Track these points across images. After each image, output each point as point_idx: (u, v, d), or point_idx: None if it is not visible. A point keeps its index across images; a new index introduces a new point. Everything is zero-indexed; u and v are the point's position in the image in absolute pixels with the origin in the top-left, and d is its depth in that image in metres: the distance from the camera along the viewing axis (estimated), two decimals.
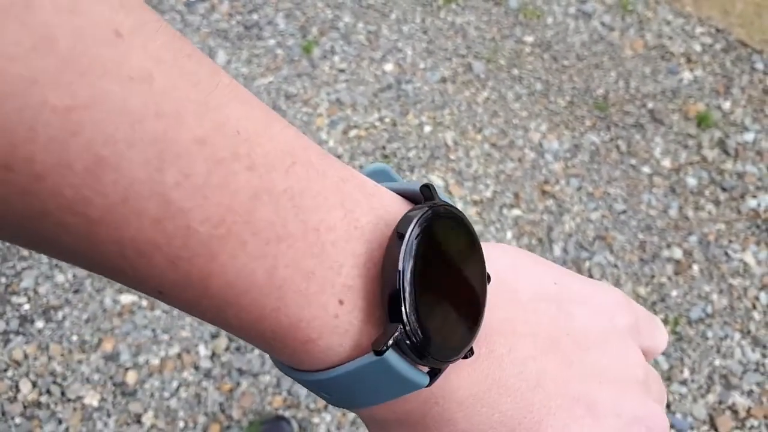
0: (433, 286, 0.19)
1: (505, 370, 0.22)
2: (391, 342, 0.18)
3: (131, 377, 1.44)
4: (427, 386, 0.20)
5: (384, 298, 0.19)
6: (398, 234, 0.19)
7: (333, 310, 0.18)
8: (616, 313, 0.26)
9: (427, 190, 0.21)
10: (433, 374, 0.20)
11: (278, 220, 0.17)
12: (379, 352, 0.18)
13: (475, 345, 0.21)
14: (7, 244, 1.58)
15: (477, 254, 0.21)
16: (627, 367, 0.25)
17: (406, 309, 0.18)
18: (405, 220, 0.19)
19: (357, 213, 0.19)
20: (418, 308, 0.19)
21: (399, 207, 0.20)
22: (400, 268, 0.18)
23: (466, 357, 0.21)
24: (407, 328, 0.18)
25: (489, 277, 0.22)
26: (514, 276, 0.24)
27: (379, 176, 0.23)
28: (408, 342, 0.19)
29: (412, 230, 0.19)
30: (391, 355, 0.19)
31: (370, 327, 0.19)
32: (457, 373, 0.21)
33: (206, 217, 0.16)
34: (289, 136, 0.18)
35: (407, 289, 0.18)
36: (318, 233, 0.18)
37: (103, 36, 0.14)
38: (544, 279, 0.25)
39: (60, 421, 1.40)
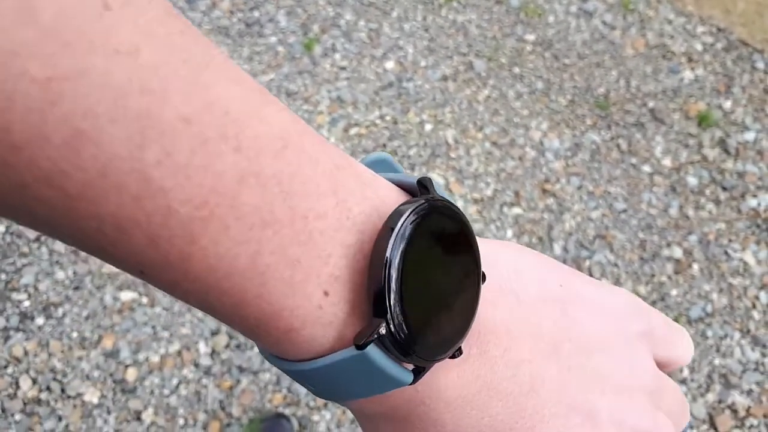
0: (422, 282, 0.19)
1: (498, 372, 0.21)
2: (372, 337, 0.18)
3: (131, 374, 1.44)
4: (411, 384, 0.20)
5: (370, 292, 0.18)
6: (389, 227, 0.18)
7: (317, 300, 0.18)
8: (626, 319, 0.24)
9: (424, 184, 0.20)
10: (418, 372, 0.20)
11: (265, 205, 0.16)
12: (360, 347, 0.18)
13: (467, 345, 0.21)
14: (8, 240, 1.58)
15: (472, 252, 0.20)
16: (633, 376, 0.23)
17: (390, 304, 0.18)
18: (396, 213, 0.19)
19: (350, 202, 0.18)
20: (404, 304, 0.18)
21: (395, 199, 0.20)
22: (387, 261, 0.18)
23: (454, 357, 0.20)
24: (391, 323, 0.18)
25: (484, 276, 0.21)
26: (517, 275, 0.23)
27: (379, 166, 0.22)
28: (391, 338, 0.18)
29: (403, 224, 0.18)
30: (373, 351, 0.18)
31: (356, 320, 0.19)
32: (446, 373, 0.20)
33: (188, 198, 0.15)
34: (284, 120, 0.18)
35: (393, 284, 0.18)
36: (306, 221, 0.17)
37: (90, 8, 0.14)
38: (549, 280, 0.23)
39: (60, 418, 1.40)
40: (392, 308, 0.18)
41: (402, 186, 0.21)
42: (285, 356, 0.20)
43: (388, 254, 0.18)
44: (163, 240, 0.16)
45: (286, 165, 0.17)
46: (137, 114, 0.14)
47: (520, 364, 0.21)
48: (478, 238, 0.23)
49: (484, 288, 0.21)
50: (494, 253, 0.23)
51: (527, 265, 0.23)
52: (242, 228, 0.16)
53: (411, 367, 0.20)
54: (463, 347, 0.20)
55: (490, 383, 0.21)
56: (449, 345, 0.20)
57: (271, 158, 0.17)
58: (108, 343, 1.47)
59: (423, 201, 0.19)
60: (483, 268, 0.21)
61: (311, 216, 0.17)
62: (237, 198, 0.16)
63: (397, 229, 0.18)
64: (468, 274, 0.20)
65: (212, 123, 0.16)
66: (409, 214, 0.18)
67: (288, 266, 0.17)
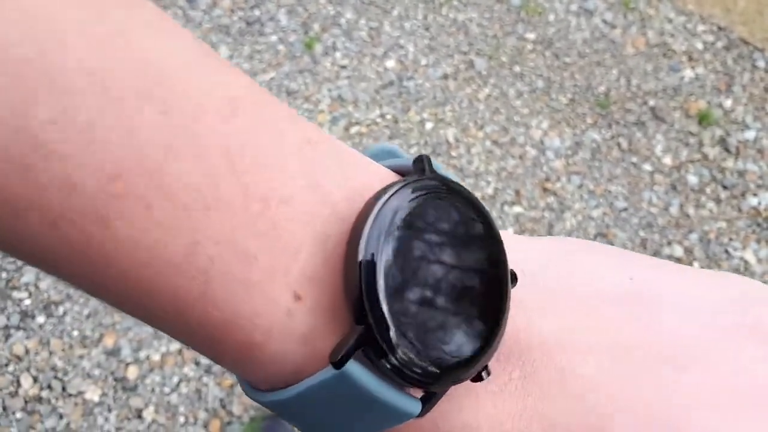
0: (417, 281, 0.14)
1: (552, 400, 0.16)
2: (350, 350, 0.14)
3: (132, 372, 1.45)
4: (420, 416, 0.15)
5: (348, 294, 0.14)
6: (368, 212, 0.15)
7: (285, 305, 0.14)
8: (730, 313, 0.18)
9: (421, 162, 0.16)
10: (428, 399, 0.15)
11: (204, 182, 0.13)
12: (337, 364, 0.14)
13: (505, 366, 0.16)
14: None
15: (490, 242, 0.16)
16: (750, 387, 0.17)
17: (371, 309, 0.14)
18: (380, 194, 0.15)
19: (327, 185, 0.15)
20: (392, 308, 0.14)
21: (387, 182, 0.16)
22: (364, 255, 0.14)
23: (479, 379, 0.16)
24: (376, 332, 0.14)
25: (514, 275, 0.17)
26: (571, 273, 0.18)
27: (384, 158, 0.18)
28: (377, 353, 0.14)
29: (384, 205, 0.14)
30: (357, 370, 0.14)
31: (339, 332, 0.15)
32: (475, 404, 0.16)
33: (94, 168, 0.12)
34: (235, 81, 0.14)
35: (379, 282, 0.14)
36: (266, 204, 0.14)
37: None
38: (615, 273, 0.18)
39: (61, 416, 1.40)
40: (374, 315, 0.14)
41: (399, 171, 0.17)
42: (254, 382, 0.16)
43: (363, 245, 0.14)
44: (65, 222, 0.12)
45: (236, 134, 0.14)
46: (24, 62, 0.12)
47: (583, 386, 0.16)
48: (517, 236, 0.19)
49: (525, 292, 0.17)
50: (538, 250, 0.18)
51: (582, 259, 0.18)
52: (171, 209, 0.13)
53: (419, 393, 0.15)
54: (492, 367, 0.16)
55: (542, 415, 0.16)
56: (465, 364, 0.15)
57: (215, 124, 0.13)
58: (109, 342, 1.47)
59: (417, 179, 0.15)
60: (517, 266, 0.17)
61: (273, 199, 0.14)
62: (163, 171, 0.13)
63: (376, 211, 0.14)
64: (487, 271, 0.16)
65: (129, 77, 0.13)
66: (396, 193, 0.15)
67: (241, 261, 0.14)
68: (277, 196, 0.14)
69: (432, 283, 0.15)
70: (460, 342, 0.15)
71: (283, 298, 0.14)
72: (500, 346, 0.16)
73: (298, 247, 0.14)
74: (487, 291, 0.16)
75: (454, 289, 0.15)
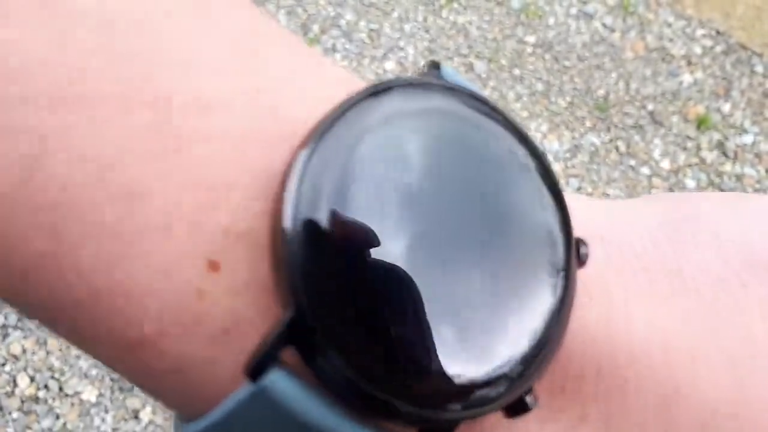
0: (398, 237, 0.09)
1: None
2: (269, 350, 0.08)
3: None
4: None
5: (277, 260, 0.09)
6: (312, 135, 0.09)
7: (193, 280, 0.09)
8: None
9: (425, 67, 0.11)
10: None
11: (57, 63, 0.08)
12: (253, 371, 0.08)
13: (569, 390, 0.10)
14: None
15: (536, 190, 0.11)
16: None
17: (307, 279, 0.08)
18: (348, 101, 0.09)
19: (274, 92, 0.09)
20: (343, 279, 0.08)
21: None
22: (294, 188, 0.08)
23: (519, 411, 0.09)
24: (311, 321, 0.08)
25: (583, 244, 0.11)
26: (681, 239, 0.11)
27: None
28: (318, 358, 0.08)
29: (347, 113, 0.09)
30: (281, 383, 0.08)
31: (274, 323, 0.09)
32: None
33: None
34: None
35: (340, 230, 0.09)
36: (168, 110, 0.08)
37: None
38: (760, 232, 0.11)
39: (57, 417, 1.39)
40: (309, 291, 0.08)
41: None
42: (164, 402, 0.10)
43: (297, 175, 0.08)
44: None
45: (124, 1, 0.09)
46: None
47: (713, 416, 0.10)
48: (595, 199, 0.13)
49: (609, 273, 0.11)
50: (631, 213, 0.12)
51: (706, 213, 0.11)
52: None
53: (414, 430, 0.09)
54: (550, 393, 0.10)
55: None
56: (490, 385, 0.09)
57: None
58: None
59: (414, 82, 0.10)
60: (593, 234, 0.11)
61: (183, 105, 0.09)
62: None
63: (326, 125, 0.09)
64: (529, 236, 0.10)
65: None
66: (371, 98, 0.09)
67: (116, 199, 0.08)
68: (189, 100, 0.09)
69: (425, 242, 0.09)
70: (482, 345, 0.09)
71: (190, 267, 0.09)
72: (561, 355, 0.10)
73: (220, 185, 0.09)
74: (527, 264, 0.09)
75: (469, 250, 0.09)
